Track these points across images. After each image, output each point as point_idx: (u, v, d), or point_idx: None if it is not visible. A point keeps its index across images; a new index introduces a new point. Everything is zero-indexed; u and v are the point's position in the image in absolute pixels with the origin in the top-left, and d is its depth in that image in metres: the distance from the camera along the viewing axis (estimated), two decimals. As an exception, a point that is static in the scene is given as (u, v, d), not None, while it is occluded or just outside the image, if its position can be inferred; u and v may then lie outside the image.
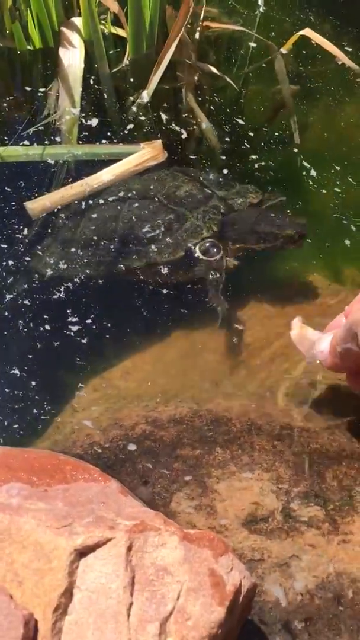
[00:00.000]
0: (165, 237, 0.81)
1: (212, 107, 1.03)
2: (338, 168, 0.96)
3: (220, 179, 0.89)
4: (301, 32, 1.05)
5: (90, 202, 0.87)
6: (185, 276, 0.82)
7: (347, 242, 0.88)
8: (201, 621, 0.45)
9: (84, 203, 0.87)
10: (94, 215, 0.85)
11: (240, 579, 0.48)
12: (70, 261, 0.82)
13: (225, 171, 0.94)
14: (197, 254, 0.80)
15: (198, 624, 0.44)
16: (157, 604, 0.45)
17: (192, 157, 0.96)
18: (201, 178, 0.88)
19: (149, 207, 0.83)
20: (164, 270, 0.81)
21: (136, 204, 0.83)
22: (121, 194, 0.86)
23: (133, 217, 0.83)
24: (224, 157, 0.96)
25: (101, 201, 0.86)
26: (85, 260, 0.82)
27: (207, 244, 0.81)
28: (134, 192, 0.85)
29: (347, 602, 0.55)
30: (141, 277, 0.81)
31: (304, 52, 1.11)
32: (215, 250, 0.81)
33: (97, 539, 0.47)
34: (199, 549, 0.48)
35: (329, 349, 0.62)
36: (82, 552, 0.47)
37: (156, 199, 0.83)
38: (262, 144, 0.99)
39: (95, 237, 0.83)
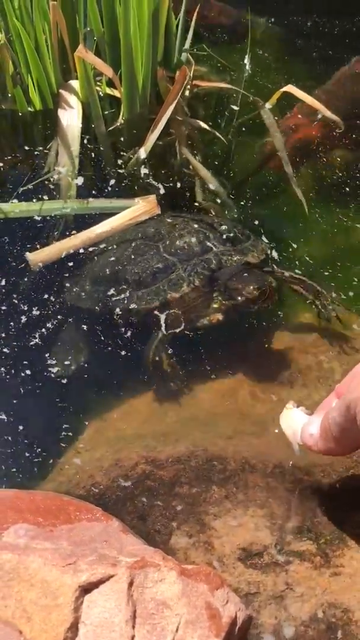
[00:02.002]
0: (149, 286, 0.83)
1: (204, 160, 1.09)
2: (333, 207, 1.01)
3: (236, 230, 0.90)
4: (284, 89, 1.12)
5: (97, 248, 0.92)
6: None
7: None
8: (199, 652, 0.47)
9: (90, 249, 0.92)
10: (103, 255, 0.90)
11: (236, 611, 0.51)
12: (77, 300, 0.87)
13: (237, 223, 0.96)
14: (162, 325, 0.82)
15: (196, 654, 0.47)
16: (157, 636, 0.48)
17: (194, 204, 1.01)
18: (213, 227, 0.89)
19: (146, 254, 0.86)
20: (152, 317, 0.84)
21: (138, 249, 0.87)
22: (133, 235, 0.91)
23: (130, 262, 0.86)
24: (225, 201, 1.01)
25: (115, 241, 0.91)
26: (88, 299, 0.86)
27: (169, 317, 0.82)
28: (145, 236, 0.89)
29: (340, 633, 0.57)
30: (136, 321, 0.84)
31: (287, 106, 1.18)
32: (171, 324, 0.82)
33: (100, 576, 0.50)
34: (196, 583, 0.51)
35: (320, 433, 0.58)
36: (87, 589, 0.50)
37: (155, 246, 0.86)
38: (257, 190, 1.04)
39: (98, 277, 0.87)
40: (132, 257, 0.87)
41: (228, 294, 0.83)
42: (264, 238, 0.90)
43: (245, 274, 0.83)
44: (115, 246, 0.91)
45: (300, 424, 0.63)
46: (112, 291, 0.85)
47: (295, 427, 0.63)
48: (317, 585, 0.60)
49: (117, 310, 0.84)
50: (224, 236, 0.88)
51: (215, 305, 0.84)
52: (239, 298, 0.81)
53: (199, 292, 0.84)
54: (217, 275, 0.85)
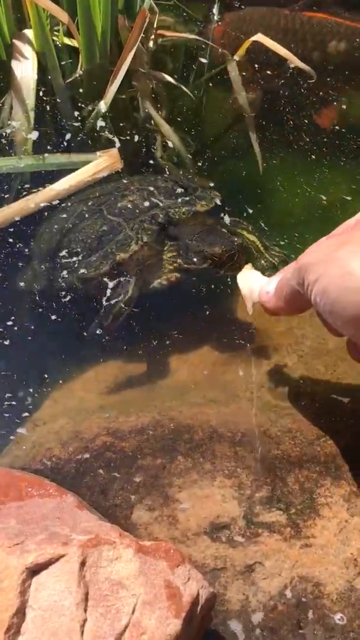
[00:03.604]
0: (97, 250, 0.78)
1: (170, 116, 1.03)
2: (297, 176, 0.97)
3: (183, 182, 0.85)
4: (253, 38, 1.06)
5: (48, 212, 0.86)
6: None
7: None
8: (157, 634, 0.44)
9: (46, 212, 0.87)
10: (49, 227, 0.84)
11: (198, 589, 0.47)
12: (31, 273, 0.82)
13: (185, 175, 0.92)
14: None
15: (154, 637, 0.43)
16: (111, 620, 0.44)
17: (151, 162, 0.96)
18: (157, 184, 0.83)
19: (90, 219, 0.80)
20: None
21: (82, 216, 0.81)
22: (77, 203, 0.85)
23: (75, 229, 0.80)
24: (185, 161, 0.95)
25: (60, 211, 0.85)
26: (38, 273, 0.81)
27: (114, 284, 0.77)
28: (89, 203, 0.83)
29: (311, 607, 0.54)
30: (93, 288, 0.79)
31: (259, 58, 1.12)
32: (119, 290, 0.77)
33: (50, 556, 0.46)
34: (155, 560, 0.47)
35: (275, 290, 0.62)
36: (34, 570, 0.45)
37: (99, 209, 0.81)
38: (220, 152, 0.99)
39: (45, 250, 0.82)
40: (77, 224, 0.81)
41: (190, 256, 0.76)
42: (218, 201, 0.84)
43: (209, 234, 0.76)
44: (66, 212, 0.85)
45: (258, 283, 0.66)
46: (60, 263, 0.79)
47: (253, 286, 0.66)
48: (287, 558, 0.57)
49: (70, 282, 0.78)
50: (172, 190, 0.82)
51: (170, 267, 0.78)
52: (204, 263, 0.75)
53: (151, 250, 0.78)
54: (172, 232, 0.78)
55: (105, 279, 0.77)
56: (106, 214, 0.79)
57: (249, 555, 0.57)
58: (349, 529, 0.59)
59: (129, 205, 0.79)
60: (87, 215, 0.81)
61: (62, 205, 0.87)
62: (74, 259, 0.79)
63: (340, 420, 0.68)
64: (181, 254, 0.77)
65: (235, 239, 0.75)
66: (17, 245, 0.84)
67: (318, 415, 0.69)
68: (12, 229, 0.85)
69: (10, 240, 0.85)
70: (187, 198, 0.81)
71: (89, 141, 0.96)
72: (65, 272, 0.79)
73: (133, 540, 0.48)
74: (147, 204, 0.80)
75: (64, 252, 0.80)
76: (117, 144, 0.95)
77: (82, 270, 0.77)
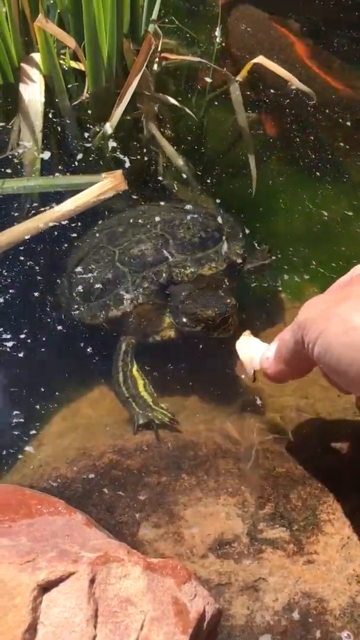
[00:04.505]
0: (98, 298, 0.79)
1: (174, 137, 1.05)
2: (299, 194, 0.99)
3: (207, 229, 0.82)
4: (255, 60, 1.08)
5: (68, 233, 0.89)
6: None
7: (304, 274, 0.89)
8: (164, 651, 0.45)
9: (55, 232, 0.89)
10: (69, 254, 0.87)
11: (204, 605, 0.48)
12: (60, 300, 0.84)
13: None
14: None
15: (161, 653, 0.45)
16: (120, 636, 0.45)
17: (159, 179, 0.98)
18: (177, 234, 0.81)
19: (102, 261, 0.81)
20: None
21: (97, 253, 0.83)
22: (97, 234, 0.87)
23: (88, 269, 0.82)
24: (189, 180, 0.98)
25: (89, 237, 0.87)
26: (53, 301, 0.84)
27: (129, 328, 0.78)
28: (105, 236, 0.85)
29: (314, 623, 0.55)
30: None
31: (260, 79, 1.14)
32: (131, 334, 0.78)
33: (60, 574, 0.47)
34: (162, 577, 0.48)
35: (274, 355, 0.61)
36: (45, 587, 0.47)
37: (112, 252, 0.81)
38: (225, 170, 1.01)
39: (59, 281, 0.85)
40: (91, 262, 0.82)
41: (182, 318, 0.75)
42: (219, 219, 0.86)
43: (202, 294, 0.75)
44: (91, 239, 0.87)
45: (258, 350, 0.65)
46: (72, 298, 0.82)
47: (253, 354, 0.65)
48: (290, 574, 0.58)
49: (73, 318, 0.81)
50: (189, 241, 0.80)
51: (167, 321, 0.78)
52: (197, 325, 0.74)
53: (150, 305, 0.78)
54: (170, 290, 0.78)
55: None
56: (116, 260, 0.80)
57: (253, 571, 0.58)
58: (351, 545, 0.60)
59: (139, 254, 0.79)
60: (102, 253, 0.82)
61: (94, 229, 0.89)
62: (80, 298, 0.81)
63: (343, 437, 0.69)
64: (173, 314, 0.77)
65: (229, 301, 0.73)
66: (28, 263, 0.86)
67: (321, 432, 0.70)
68: (22, 247, 0.87)
69: (22, 258, 0.87)
70: (200, 255, 0.79)
71: (97, 161, 0.98)
72: (71, 311, 0.81)
73: (141, 557, 0.49)
74: (157, 256, 0.79)
75: (75, 290, 0.82)
76: (126, 164, 0.97)
77: (81, 314, 0.80)
